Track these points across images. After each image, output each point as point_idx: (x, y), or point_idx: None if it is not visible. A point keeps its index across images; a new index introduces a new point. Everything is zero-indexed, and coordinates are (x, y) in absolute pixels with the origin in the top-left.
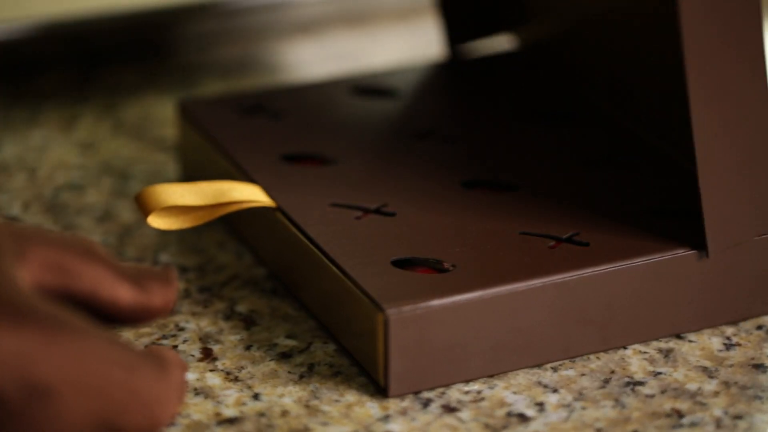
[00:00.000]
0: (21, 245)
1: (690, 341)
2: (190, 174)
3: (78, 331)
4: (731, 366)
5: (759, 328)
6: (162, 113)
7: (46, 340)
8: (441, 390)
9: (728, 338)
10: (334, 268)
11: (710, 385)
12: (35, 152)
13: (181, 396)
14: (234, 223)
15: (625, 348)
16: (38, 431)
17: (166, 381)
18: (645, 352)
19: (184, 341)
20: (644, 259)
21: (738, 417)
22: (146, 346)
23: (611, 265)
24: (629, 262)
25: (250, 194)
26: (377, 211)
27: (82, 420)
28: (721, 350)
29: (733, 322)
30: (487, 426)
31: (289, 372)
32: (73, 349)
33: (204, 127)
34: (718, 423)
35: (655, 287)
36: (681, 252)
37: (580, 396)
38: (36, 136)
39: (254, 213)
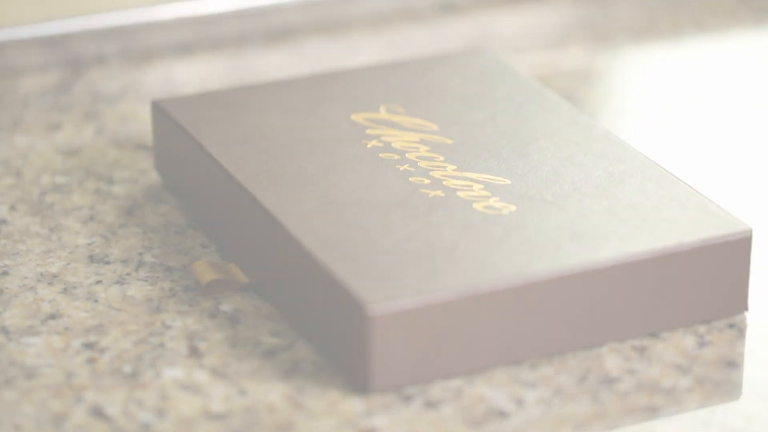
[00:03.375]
0: None
1: (664, 339)
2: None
3: None
4: (704, 363)
5: (731, 326)
6: (143, 118)
7: None
8: (422, 386)
9: (701, 336)
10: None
11: (684, 382)
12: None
13: None
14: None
15: (600, 346)
16: None
17: None
18: (620, 351)
19: (171, 338)
20: (621, 260)
21: (711, 412)
22: None
23: (590, 267)
24: (607, 264)
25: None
26: None
27: None
28: (694, 348)
29: (706, 321)
30: (467, 421)
31: (274, 369)
32: None
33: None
34: (693, 418)
35: (630, 287)
36: (655, 253)
37: (557, 392)
38: (21, 140)
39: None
